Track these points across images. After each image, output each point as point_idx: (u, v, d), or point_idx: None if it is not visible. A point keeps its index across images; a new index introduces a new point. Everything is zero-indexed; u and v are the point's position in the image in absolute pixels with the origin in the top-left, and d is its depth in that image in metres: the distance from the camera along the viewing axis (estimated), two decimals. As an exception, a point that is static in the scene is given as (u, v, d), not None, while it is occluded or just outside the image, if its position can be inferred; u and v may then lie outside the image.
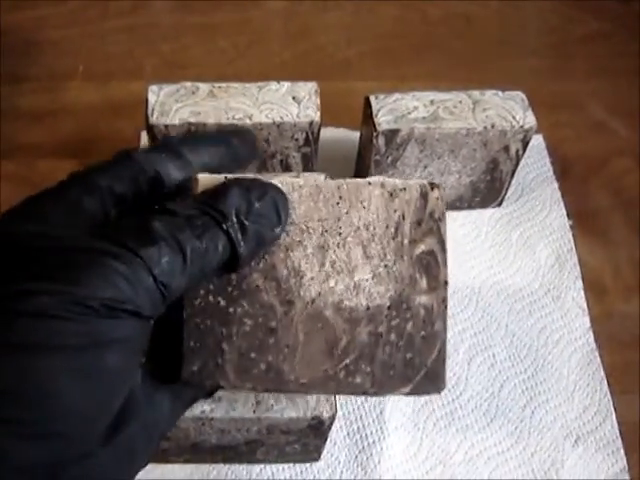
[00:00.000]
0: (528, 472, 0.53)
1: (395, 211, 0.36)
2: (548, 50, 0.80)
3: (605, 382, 0.56)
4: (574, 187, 0.67)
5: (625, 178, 0.69)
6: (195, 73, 0.73)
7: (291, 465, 0.52)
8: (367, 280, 0.36)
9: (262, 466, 0.52)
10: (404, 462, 0.52)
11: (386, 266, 0.36)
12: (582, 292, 0.61)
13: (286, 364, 0.36)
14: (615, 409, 0.55)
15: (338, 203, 0.36)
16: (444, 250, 0.37)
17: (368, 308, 0.36)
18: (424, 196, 0.36)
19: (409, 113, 0.55)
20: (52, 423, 0.28)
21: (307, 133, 0.54)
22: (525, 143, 0.57)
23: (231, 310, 0.35)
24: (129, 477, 0.34)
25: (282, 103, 0.54)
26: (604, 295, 0.61)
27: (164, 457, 0.50)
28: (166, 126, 0.52)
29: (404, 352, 0.36)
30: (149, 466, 0.50)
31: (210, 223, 0.32)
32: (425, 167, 0.58)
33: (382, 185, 0.36)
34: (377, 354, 0.36)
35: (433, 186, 0.37)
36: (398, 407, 0.54)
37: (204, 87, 0.54)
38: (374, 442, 0.53)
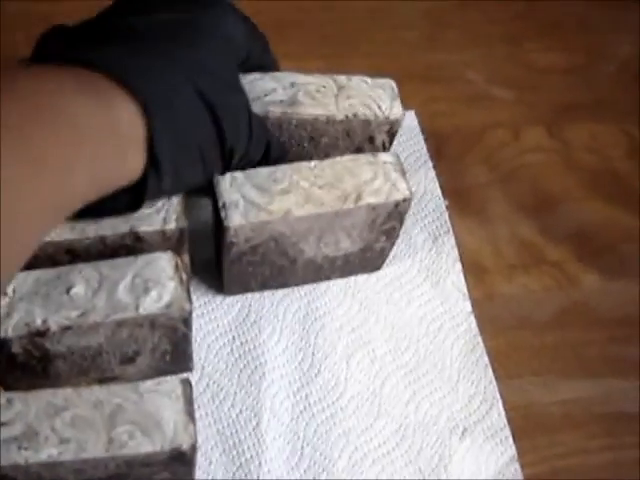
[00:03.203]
0: (415, 471, 0.51)
1: None
2: (420, 20, 0.77)
3: (490, 368, 0.55)
4: (449, 165, 0.64)
5: (502, 151, 0.67)
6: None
7: (164, 490, 0.48)
8: None
9: (133, 495, 0.48)
10: (285, 474, 0.49)
11: None
12: (462, 275, 0.58)
13: None
14: (502, 395, 0.54)
15: None
16: None
17: None
18: None
19: (265, 95, 0.51)
20: None
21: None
22: (391, 135, 0.54)
23: None
24: None
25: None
26: (484, 276, 0.59)
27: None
28: None
29: None
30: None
31: None
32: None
33: None
34: None
35: None
36: (276, 416, 0.51)
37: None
38: (252, 457, 0.50)
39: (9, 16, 0.66)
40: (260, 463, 0.49)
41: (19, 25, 0.63)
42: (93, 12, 0.46)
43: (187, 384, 0.41)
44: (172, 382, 0.41)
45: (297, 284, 0.55)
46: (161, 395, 0.41)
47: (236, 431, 0.50)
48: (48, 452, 0.39)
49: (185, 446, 0.40)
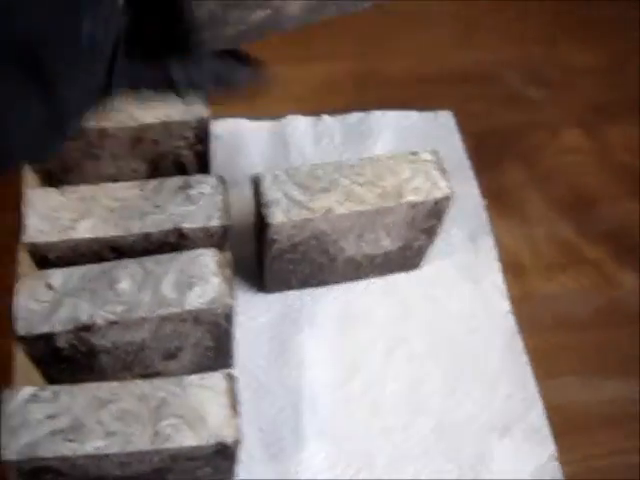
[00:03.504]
0: (455, 469, 0.50)
1: None
2: (455, 21, 0.77)
3: (529, 367, 0.55)
4: (487, 165, 0.64)
5: (539, 151, 0.67)
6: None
7: (206, 486, 0.49)
8: None
9: (175, 489, 0.49)
10: (325, 470, 0.50)
11: None
12: (500, 274, 0.58)
13: None
14: (541, 394, 0.54)
15: None
16: None
17: None
18: None
19: None
20: None
21: (196, 131, 0.51)
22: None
23: None
24: None
25: (167, 101, 0.50)
26: (523, 275, 0.59)
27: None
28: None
29: None
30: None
31: None
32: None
33: None
34: None
35: None
36: (316, 413, 0.51)
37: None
38: (292, 453, 0.50)
39: None
40: (300, 460, 0.50)
41: None
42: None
43: (231, 378, 0.42)
44: (216, 376, 0.42)
45: (337, 282, 0.56)
46: (205, 389, 0.41)
47: (276, 428, 0.51)
48: (94, 444, 0.39)
49: (229, 440, 0.40)
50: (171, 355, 0.47)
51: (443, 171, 0.50)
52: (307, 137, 0.64)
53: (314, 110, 0.65)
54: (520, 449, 0.51)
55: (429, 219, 0.51)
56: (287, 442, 0.50)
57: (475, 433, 0.52)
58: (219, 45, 0.43)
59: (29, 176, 0.51)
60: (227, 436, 0.40)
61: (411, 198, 0.49)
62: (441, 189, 0.49)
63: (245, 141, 0.63)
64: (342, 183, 0.48)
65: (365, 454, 0.50)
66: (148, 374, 0.48)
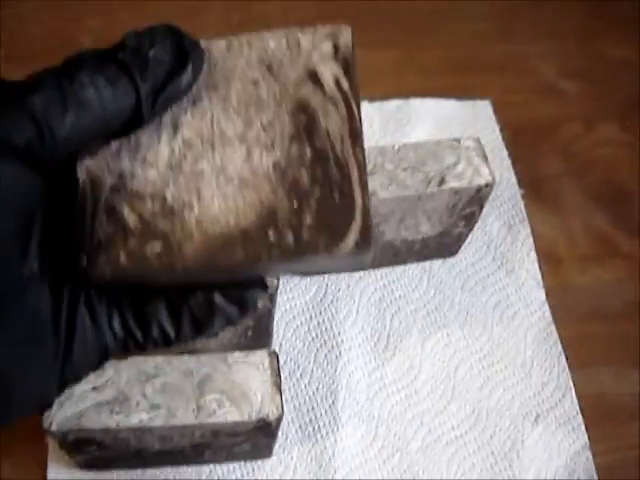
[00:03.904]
0: (488, 455, 0.51)
1: None
2: (493, 13, 0.77)
3: (563, 356, 0.55)
4: (524, 155, 0.64)
5: (576, 143, 0.67)
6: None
7: (242, 464, 0.49)
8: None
9: (212, 466, 0.49)
10: (360, 453, 0.50)
11: None
12: (536, 264, 0.59)
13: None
14: (574, 384, 0.54)
15: None
16: None
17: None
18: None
19: None
20: None
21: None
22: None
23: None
24: None
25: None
26: (559, 266, 0.59)
27: (106, 463, 0.47)
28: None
29: None
30: (91, 473, 0.48)
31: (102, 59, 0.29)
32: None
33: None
34: None
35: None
36: (352, 395, 0.52)
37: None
38: (327, 434, 0.51)
39: None
40: (335, 440, 0.50)
41: None
42: None
43: (274, 356, 0.42)
44: (260, 353, 0.42)
45: (374, 267, 0.56)
46: (249, 366, 0.42)
47: (312, 408, 0.51)
48: (139, 417, 0.39)
49: (272, 416, 0.40)
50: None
51: (485, 158, 0.50)
52: (346, 122, 0.64)
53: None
54: (553, 438, 0.52)
55: (470, 206, 0.51)
56: (322, 423, 0.51)
57: (508, 420, 0.52)
58: None
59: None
60: (269, 412, 0.40)
61: (454, 184, 0.49)
62: (483, 176, 0.49)
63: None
64: (386, 167, 0.49)
65: (399, 437, 0.51)
66: (187, 352, 0.49)
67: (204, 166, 0.31)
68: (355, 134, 0.32)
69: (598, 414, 0.53)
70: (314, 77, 0.32)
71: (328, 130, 0.32)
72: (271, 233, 0.30)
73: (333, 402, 0.51)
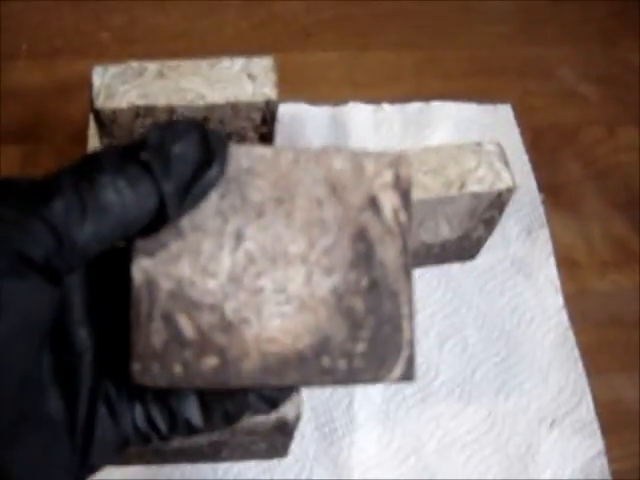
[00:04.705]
0: (503, 458, 0.51)
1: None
2: (515, 16, 0.77)
3: (580, 362, 0.55)
4: (544, 159, 0.64)
5: (597, 148, 0.67)
6: (145, 47, 0.69)
7: (258, 462, 0.50)
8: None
9: (228, 464, 0.49)
10: (376, 454, 0.50)
11: None
12: (555, 269, 0.59)
13: None
14: (591, 390, 0.54)
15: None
16: None
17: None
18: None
19: None
20: None
21: (264, 112, 0.51)
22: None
23: None
24: None
25: (236, 81, 0.51)
26: (578, 271, 0.59)
27: (124, 459, 0.48)
28: (113, 111, 0.49)
29: None
30: (108, 469, 0.49)
31: (123, 158, 0.27)
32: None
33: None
34: None
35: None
36: (368, 397, 0.52)
37: (152, 67, 0.51)
38: (344, 434, 0.51)
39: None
40: (352, 441, 0.50)
41: None
42: None
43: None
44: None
45: (393, 269, 0.56)
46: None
47: (329, 409, 0.52)
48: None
49: (291, 416, 0.41)
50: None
51: (506, 163, 0.50)
52: (367, 124, 0.64)
53: (374, 98, 0.66)
54: (569, 443, 0.52)
55: (490, 210, 0.51)
56: (339, 423, 0.51)
57: (524, 424, 0.52)
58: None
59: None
60: (288, 412, 0.41)
61: (474, 188, 0.49)
62: (504, 180, 0.50)
63: (305, 125, 0.63)
64: None
65: (415, 439, 0.51)
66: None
67: (265, 283, 0.31)
68: (407, 270, 0.32)
69: (614, 420, 0.53)
70: (375, 205, 0.32)
71: (383, 261, 0.32)
72: (325, 359, 0.30)
73: (350, 403, 0.52)
